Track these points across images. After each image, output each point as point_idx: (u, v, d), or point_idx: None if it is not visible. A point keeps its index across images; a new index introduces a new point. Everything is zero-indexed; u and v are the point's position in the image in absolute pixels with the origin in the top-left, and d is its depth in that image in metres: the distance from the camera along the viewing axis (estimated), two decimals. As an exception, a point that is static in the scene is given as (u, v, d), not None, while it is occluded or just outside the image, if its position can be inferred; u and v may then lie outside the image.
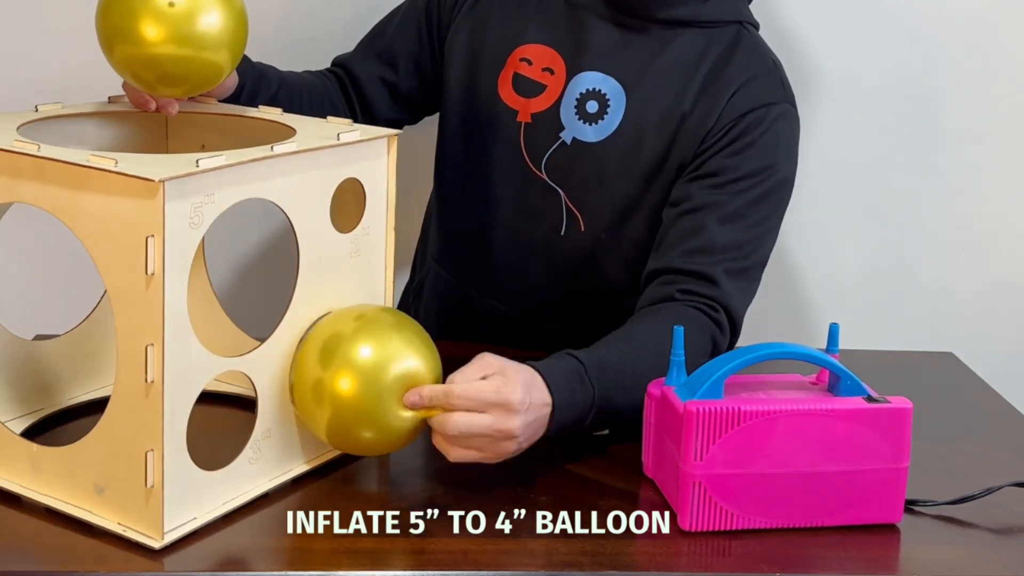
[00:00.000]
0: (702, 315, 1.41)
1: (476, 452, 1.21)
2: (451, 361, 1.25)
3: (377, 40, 1.66)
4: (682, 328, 1.24)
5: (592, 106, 1.52)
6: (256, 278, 1.91)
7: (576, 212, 1.55)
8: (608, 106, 1.52)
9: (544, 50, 1.56)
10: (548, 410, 1.24)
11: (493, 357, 1.24)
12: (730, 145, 1.49)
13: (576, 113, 1.53)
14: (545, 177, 1.55)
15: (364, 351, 1.20)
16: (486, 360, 1.23)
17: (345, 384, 1.19)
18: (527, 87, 1.56)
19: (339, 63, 1.67)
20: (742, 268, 1.47)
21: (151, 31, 1.21)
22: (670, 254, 1.46)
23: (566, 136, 1.54)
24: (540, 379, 1.24)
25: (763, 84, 1.52)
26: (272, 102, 1.48)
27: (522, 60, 1.56)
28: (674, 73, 1.52)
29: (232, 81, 1.45)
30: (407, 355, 1.21)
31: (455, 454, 1.21)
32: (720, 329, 1.42)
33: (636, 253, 1.53)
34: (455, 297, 1.67)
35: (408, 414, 1.20)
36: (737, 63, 1.52)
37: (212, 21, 1.24)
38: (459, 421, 1.18)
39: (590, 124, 1.53)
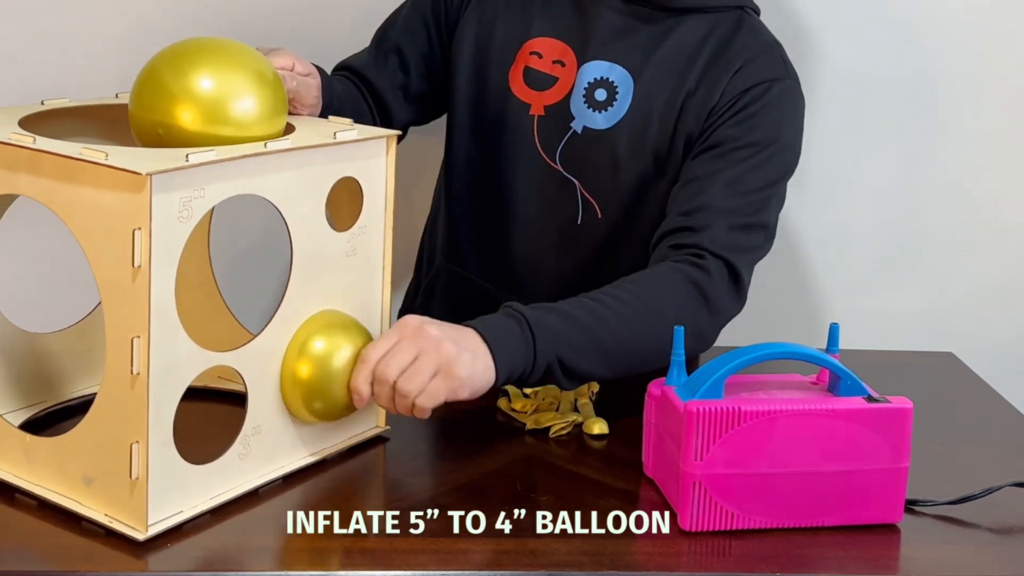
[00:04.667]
0: (684, 263, 1.42)
1: (420, 376, 1.22)
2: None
3: (385, 43, 1.66)
4: (682, 328, 1.24)
5: (601, 94, 1.55)
6: (262, 273, 1.90)
7: (592, 200, 1.57)
8: (616, 93, 1.54)
9: (553, 43, 1.58)
10: (468, 330, 1.28)
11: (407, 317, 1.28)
12: (733, 117, 1.51)
13: (585, 102, 1.55)
14: (560, 168, 1.57)
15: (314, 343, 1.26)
16: (400, 322, 1.28)
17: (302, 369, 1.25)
18: (539, 80, 1.57)
19: (349, 68, 1.66)
20: (743, 224, 1.47)
21: (187, 116, 1.22)
22: (668, 218, 1.49)
23: (576, 125, 1.56)
24: (472, 332, 1.29)
25: (765, 61, 1.55)
26: (337, 112, 1.49)
27: (532, 54, 1.58)
28: (679, 57, 1.54)
29: (318, 102, 1.46)
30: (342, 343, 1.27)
31: (420, 401, 1.23)
32: (704, 272, 1.41)
33: (652, 235, 1.54)
34: (472, 294, 1.67)
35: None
36: (739, 43, 1.55)
37: (247, 105, 1.24)
38: (384, 364, 1.23)
39: (600, 112, 1.55)
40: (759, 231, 1.50)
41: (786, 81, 1.55)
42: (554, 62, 1.57)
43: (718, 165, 1.49)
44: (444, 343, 1.24)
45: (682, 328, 1.24)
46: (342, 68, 1.67)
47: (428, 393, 1.23)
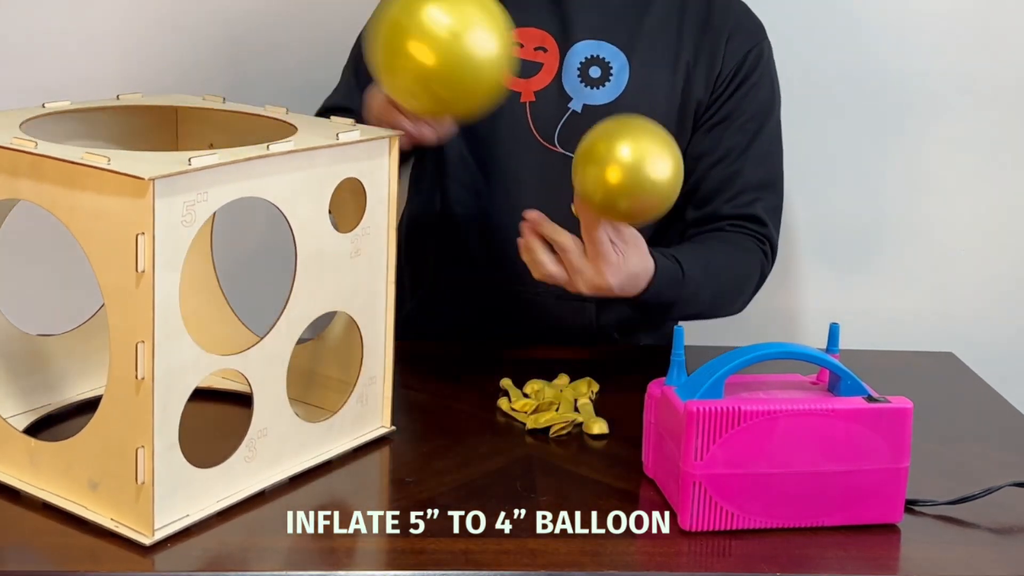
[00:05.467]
0: (756, 244, 1.61)
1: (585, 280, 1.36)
2: (466, 364, 1.25)
3: (361, 74, 1.63)
4: (682, 328, 1.24)
5: (595, 71, 1.59)
6: (266, 275, 1.91)
7: None
8: (611, 69, 1.59)
9: (531, 31, 1.62)
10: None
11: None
12: (739, 88, 1.62)
13: (581, 81, 1.59)
14: (560, 149, 1.60)
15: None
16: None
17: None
18: (524, 68, 1.61)
19: (337, 108, 1.65)
20: (774, 206, 1.65)
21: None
22: (714, 202, 1.62)
23: (575, 105, 1.60)
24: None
25: (746, 23, 1.65)
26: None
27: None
28: (664, 27, 1.62)
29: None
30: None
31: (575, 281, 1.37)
32: (768, 261, 1.63)
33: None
34: (484, 291, 1.68)
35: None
36: (717, 6, 1.64)
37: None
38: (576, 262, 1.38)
39: (597, 88, 1.60)
40: (781, 195, 1.66)
41: (765, 39, 1.65)
42: (536, 49, 1.61)
43: (739, 139, 1.61)
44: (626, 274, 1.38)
45: (682, 328, 1.24)
46: (329, 110, 1.67)
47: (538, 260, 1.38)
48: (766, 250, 1.63)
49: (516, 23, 1.59)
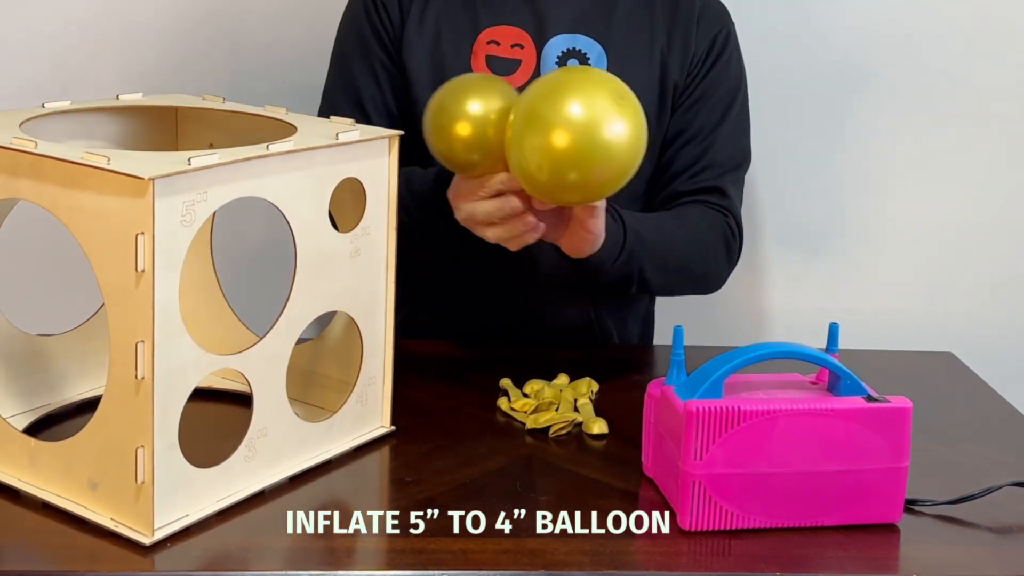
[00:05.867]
0: (719, 216, 1.63)
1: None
2: (462, 363, 1.25)
3: (353, 96, 1.66)
4: (682, 328, 1.24)
5: (573, 63, 1.61)
6: (266, 275, 1.91)
7: None
8: (588, 60, 1.61)
9: (506, 29, 1.63)
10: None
11: None
12: (712, 68, 1.66)
13: None
14: None
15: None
16: None
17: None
18: (503, 66, 1.62)
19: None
20: (737, 178, 1.69)
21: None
22: (680, 179, 1.65)
23: None
24: None
25: (714, 4, 1.70)
26: None
27: (490, 43, 1.63)
28: (636, 16, 1.65)
29: None
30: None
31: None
32: (732, 234, 1.64)
33: (645, 187, 1.67)
34: (472, 290, 1.68)
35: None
36: None
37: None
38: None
39: None
40: (745, 169, 1.71)
41: (729, 19, 1.70)
42: (512, 46, 1.62)
43: (712, 117, 1.65)
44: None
45: (682, 328, 1.24)
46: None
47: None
48: (730, 223, 1.65)
49: (491, 22, 1.64)
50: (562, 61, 1.61)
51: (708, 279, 1.66)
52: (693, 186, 1.65)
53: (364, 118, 1.66)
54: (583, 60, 1.60)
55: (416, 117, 1.65)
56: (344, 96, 1.68)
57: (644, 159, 1.56)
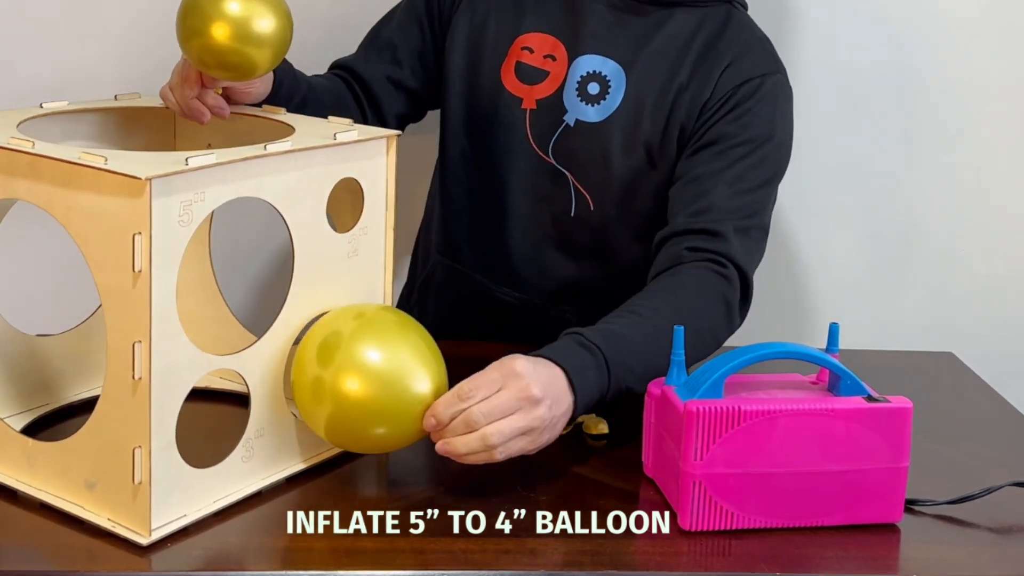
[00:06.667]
0: (711, 273, 1.43)
1: (509, 436, 1.19)
2: (458, 361, 1.26)
3: (378, 40, 1.68)
4: (682, 328, 1.24)
5: (594, 88, 1.57)
6: (264, 275, 1.91)
7: (584, 192, 1.59)
8: (609, 87, 1.56)
9: (544, 38, 1.60)
10: (558, 374, 1.25)
11: (512, 359, 1.23)
12: (728, 114, 1.54)
13: (578, 95, 1.57)
14: (553, 161, 1.59)
15: (370, 353, 1.20)
16: (505, 366, 1.23)
17: (351, 384, 1.19)
18: (530, 75, 1.59)
19: (342, 66, 1.67)
20: (746, 227, 1.49)
21: (219, 31, 1.30)
22: (676, 219, 1.50)
23: (569, 118, 1.58)
24: (563, 378, 1.25)
25: (756, 56, 1.58)
26: (303, 103, 1.51)
27: (524, 49, 1.60)
28: (669, 50, 1.57)
29: (268, 80, 1.46)
30: (412, 360, 1.21)
31: (497, 454, 1.19)
32: (729, 284, 1.44)
33: (646, 227, 1.57)
34: (468, 289, 1.68)
35: (418, 420, 1.21)
36: (729, 37, 1.57)
37: (265, 25, 1.31)
38: (479, 411, 1.19)
39: (592, 105, 1.57)
40: (760, 234, 1.52)
41: (777, 76, 1.57)
42: (545, 56, 1.59)
43: (718, 164, 1.51)
44: (541, 407, 1.21)
45: (682, 328, 1.24)
46: (334, 67, 1.69)
47: (506, 449, 1.20)
48: (728, 273, 1.44)
49: (532, 27, 1.60)
50: (583, 83, 1.57)
51: (708, 351, 1.42)
52: (691, 225, 1.47)
53: (395, 63, 1.65)
54: (604, 86, 1.56)
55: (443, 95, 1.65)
56: (381, 31, 1.68)
57: (648, 195, 1.56)
